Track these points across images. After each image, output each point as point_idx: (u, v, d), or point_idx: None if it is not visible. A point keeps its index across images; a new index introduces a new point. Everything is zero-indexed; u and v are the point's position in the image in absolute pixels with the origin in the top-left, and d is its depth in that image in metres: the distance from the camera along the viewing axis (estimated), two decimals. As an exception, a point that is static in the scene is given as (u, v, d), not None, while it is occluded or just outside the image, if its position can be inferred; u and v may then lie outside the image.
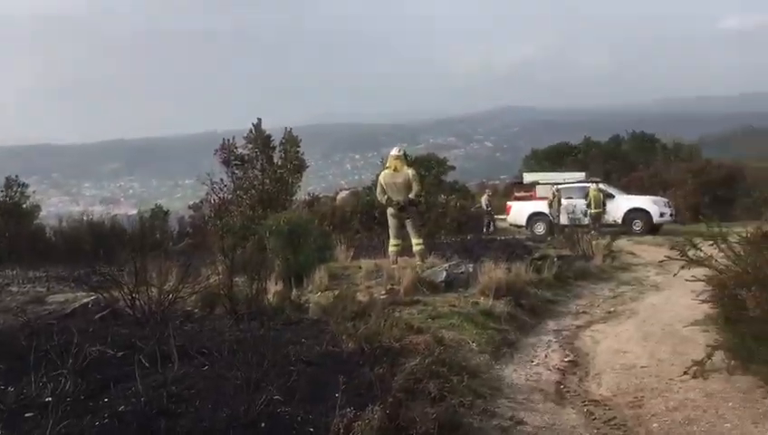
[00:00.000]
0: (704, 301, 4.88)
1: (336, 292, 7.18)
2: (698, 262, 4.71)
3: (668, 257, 4.97)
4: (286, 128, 19.09)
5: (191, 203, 28.05)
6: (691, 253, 4.75)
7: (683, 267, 4.77)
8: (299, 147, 18.84)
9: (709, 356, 4.48)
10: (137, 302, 5.57)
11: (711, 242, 4.75)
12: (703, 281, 4.72)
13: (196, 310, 6.30)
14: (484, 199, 24.50)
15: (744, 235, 4.68)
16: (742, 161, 29.88)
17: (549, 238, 18.17)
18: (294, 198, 19.34)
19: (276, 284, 7.81)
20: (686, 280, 4.86)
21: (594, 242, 13.65)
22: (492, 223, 23.27)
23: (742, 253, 4.63)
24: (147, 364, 3.99)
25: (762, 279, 4.21)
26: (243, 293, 6.24)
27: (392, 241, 9.56)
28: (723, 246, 4.72)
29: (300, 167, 18.88)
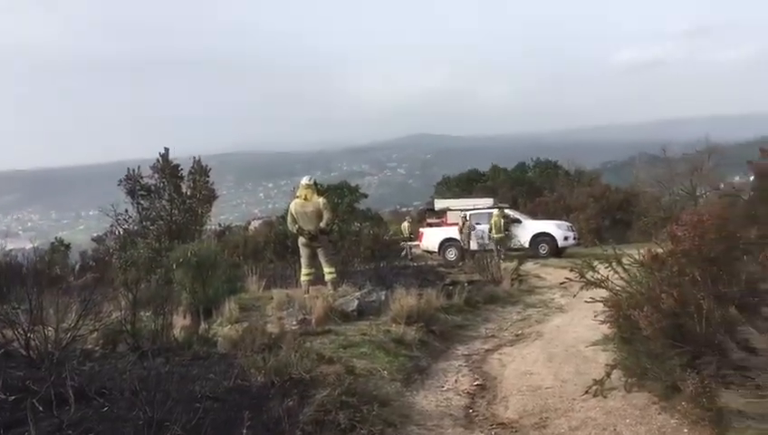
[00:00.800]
0: (602, 321, 5.09)
1: (246, 324, 7.04)
2: (596, 283, 4.92)
3: (568, 279, 5.16)
4: (194, 157, 18.70)
5: (94, 235, 26.98)
6: (589, 275, 4.96)
7: (582, 288, 4.97)
8: (208, 176, 18.52)
9: (608, 375, 4.65)
10: (32, 342, 5.26)
11: (607, 265, 4.98)
12: (601, 302, 4.93)
13: (97, 348, 5.98)
14: (406, 226, 24.85)
15: (636, 257, 4.93)
16: (638, 186, 31.58)
17: (460, 264, 18.56)
18: (205, 228, 18.93)
19: (184, 317, 7.59)
20: (586, 301, 5.07)
21: (503, 266, 14.05)
22: (409, 250, 23.52)
23: (636, 274, 4.88)
24: (41, 408, 3.76)
25: (653, 299, 4.43)
26: (147, 328, 6.01)
27: (304, 270, 9.49)
28: (618, 268, 4.96)
29: (209, 196, 18.54)
